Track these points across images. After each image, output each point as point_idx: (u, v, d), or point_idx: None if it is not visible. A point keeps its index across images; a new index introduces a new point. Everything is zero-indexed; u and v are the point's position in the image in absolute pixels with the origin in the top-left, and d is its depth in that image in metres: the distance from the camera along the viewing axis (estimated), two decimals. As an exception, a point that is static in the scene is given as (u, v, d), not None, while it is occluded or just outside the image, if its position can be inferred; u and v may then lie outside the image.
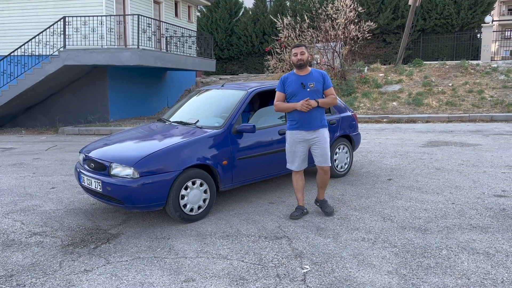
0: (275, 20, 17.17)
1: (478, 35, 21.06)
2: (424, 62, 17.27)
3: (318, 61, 15.77)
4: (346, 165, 6.21)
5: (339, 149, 6.07)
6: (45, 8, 14.17)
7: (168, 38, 15.64)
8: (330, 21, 15.52)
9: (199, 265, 3.47)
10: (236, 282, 3.18)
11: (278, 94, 4.44)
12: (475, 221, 4.30)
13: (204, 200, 4.53)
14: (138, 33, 12.69)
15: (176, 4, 18.44)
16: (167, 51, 15.38)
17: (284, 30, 16.10)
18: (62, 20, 12.74)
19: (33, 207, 5.12)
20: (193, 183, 4.41)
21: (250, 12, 24.08)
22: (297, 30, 16.04)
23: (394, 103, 14.10)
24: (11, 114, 14.37)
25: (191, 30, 18.49)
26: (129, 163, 4.21)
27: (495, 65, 15.81)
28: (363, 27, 15.49)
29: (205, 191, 4.53)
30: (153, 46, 15.11)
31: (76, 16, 12.87)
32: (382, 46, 22.17)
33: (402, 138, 9.53)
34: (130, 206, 4.24)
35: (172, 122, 5.41)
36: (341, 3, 15.45)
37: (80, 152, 4.98)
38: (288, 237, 3.99)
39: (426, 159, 7.21)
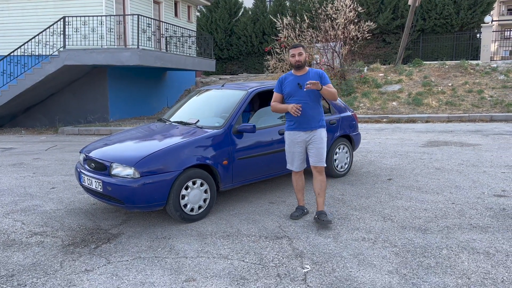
0: (275, 20, 17.17)
1: (478, 35, 21.07)
2: (424, 62, 17.27)
3: (318, 61, 15.77)
4: (346, 165, 6.22)
5: (339, 149, 6.08)
6: (45, 8, 14.16)
7: (168, 38, 15.64)
8: (329, 21, 15.53)
9: (200, 264, 3.48)
10: (236, 281, 3.18)
11: (275, 95, 4.45)
12: (475, 220, 4.31)
13: (205, 200, 4.54)
14: (138, 33, 12.69)
15: (175, 4, 18.44)
16: (166, 51, 15.39)
17: (284, 30, 16.10)
18: (62, 20, 12.74)
19: (33, 207, 5.13)
20: (194, 183, 4.42)
21: (250, 12, 24.07)
22: (297, 30, 16.04)
23: (394, 103, 14.11)
24: (11, 114, 14.37)
25: (191, 30, 18.50)
26: (130, 163, 4.21)
27: (495, 65, 15.83)
28: (362, 27, 15.50)
29: (205, 191, 4.53)
30: (153, 46, 15.11)
31: (76, 16, 12.87)
32: (382, 46, 22.18)
33: (402, 138, 9.54)
34: (131, 206, 4.25)
35: (172, 122, 5.42)
36: (341, 3, 15.46)
37: (80, 152, 4.99)
38: (288, 237, 4.00)
39: (426, 159, 7.21)
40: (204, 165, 4.54)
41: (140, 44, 12.82)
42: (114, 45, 13.79)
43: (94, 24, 13.08)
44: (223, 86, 5.82)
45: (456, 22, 20.87)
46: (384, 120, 12.83)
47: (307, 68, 4.40)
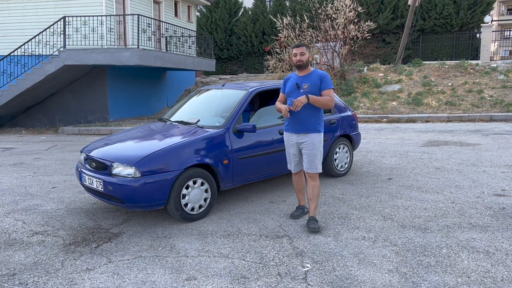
0: (275, 20, 17.18)
1: (478, 35, 21.09)
2: (424, 62, 17.29)
3: (318, 61, 15.79)
4: (346, 165, 6.23)
5: (339, 149, 6.09)
6: (45, 8, 14.17)
7: (168, 38, 15.65)
8: (329, 21, 15.54)
9: (201, 263, 3.49)
10: (237, 280, 3.19)
11: (280, 95, 4.45)
12: (475, 220, 4.32)
13: (205, 200, 4.55)
14: (138, 33, 12.70)
15: (175, 4, 18.45)
16: (167, 51, 15.40)
17: (284, 30, 16.12)
18: (62, 20, 12.75)
19: (34, 206, 5.14)
20: (194, 183, 4.43)
21: (250, 12, 24.08)
22: (297, 30, 16.05)
23: (394, 103, 14.12)
24: (11, 114, 14.38)
25: (191, 30, 18.51)
26: (131, 163, 4.22)
27: (495, 65, 15.84)
28: (362, 27, 15.51)
29: (206, 191, 4.54)
30: (153, 46, 15.12)
31: (76, 16, 12.88)
32: (382, 46, 22.19)
33: (402, 138, 9.56)
34: (132, 206, 4.26)
35: (173, 121, 5.43)
36: (341, 3, 15.48)
37: (81, 152, 5.00)
38: (289, 236, 4.01)
39: (426, 159, 7.23)
40: (205, 165, 4.55)
41: (140, 44, 12.83)
42: (114, 45, 13.80)
43: (94, 24, 13.09)
44: (223, 86, 5.83)
45: (456, 22, 20.88)
46: (384, 120, 12.84)
47: (311, 68, 4.30)
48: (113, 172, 4.29)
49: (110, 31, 13.60)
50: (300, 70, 4.27)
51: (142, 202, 4.20)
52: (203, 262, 3.52)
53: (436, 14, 20.93)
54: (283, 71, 17.06)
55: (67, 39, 12.79)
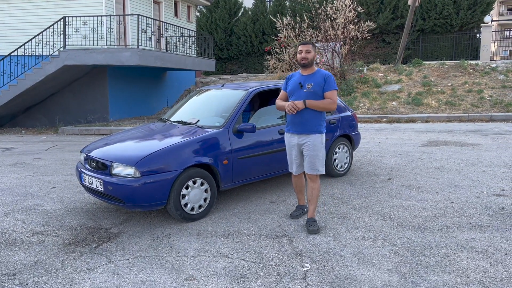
0: (275, 20, 17.20)
1: (478, 35, 21.08)
2: (424, 62, 17.30)
3: (318, 61, 15.79)
4: (346, 165, 6.24)
5: (338, 149, 6.10)
6: (45, 8, 14.18)
7: (167, 38, 15.66)
8: (329, 21, 15.55)
9: (200, 263, 3.49)
10: (237, 280, 3.20)
11: (281, 92, 4.35)
12: (474, 220, 4.33)
13: (205, 199, 4.56)
14: (138, 33, 12.70)
15: (175, 4, 18.46)
16: (166, 51, 15.40)
17: (284, 30, 16.13)
18: (62, 20, 12.76)
19: (34, 206, 5.14)
20: (194, 183, 4.43)
21: (250, 12, 24.09)
22: (297, 30, 16.07)
23: (394, 103, 14.13)
24: (11, 114, 14.39)
25: (191, 30, 18.52)
26: (130, 163, 4.23)
27: (494, 65, 15.85)
28: (362, 27, 15.52)
29: (205, 191, 4.55)
30: (153, 46, 15.13)
31: (76, 16, 12.89)
32: (382, 46, 22.20)
33: (402, 138, 9.56)
34: (131, 206, 4.27)
35: (173, 121, 5.43)
36: (341, 3, 15.49)
37: (81, 152, 5.00)
38: (288, 236, 4.01)
39: (426, 159, 7.23)
40: (205, 165, 4.56)
41: (140, 44, 12.84)
42: (114, 45, 13.80)
43: (94, 24, 13.10)
44: (223, 86, 5.84)
45: (455, 22, 20.89)
46: (384, 120, 12.85)
47: (316, 68, 4.20)
48: (113, 172, 4.30)
49: (110, 31, 13.61)
50: (304, 69, 4.16)
51: (142, 202, 4.21)
52: (203, 262, 3.52)
53: (436, 14, 20.93)
54: (283, 71, 17.07)
55: (67, 39, 12.80)
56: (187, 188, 4.38)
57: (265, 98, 6.02)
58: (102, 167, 4.44)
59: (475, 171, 6.28)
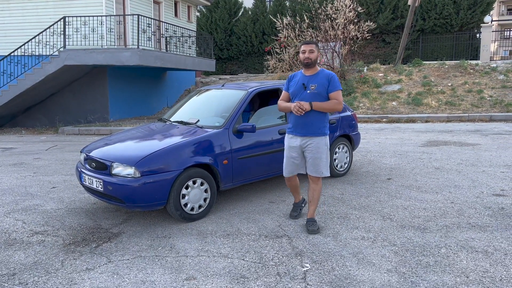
0: (275, 20, 17.20)
1: (478, 35, 21.08)
2: (424, 62, 17.30)
3: (318, 61, 15.80)
4: (346, 165, 6.24)
5: (338, 149, 6.10)
6: (45, 8, 14.18)
7: (167, 38, 15.66)
8: (329, 21, 15.56)
9: (200, 263, 3.50)
10: (237, 280, 3.20)
11: (283, 93, 4.25)
12: (474, 220, 4.33)
13: (205, 199, 4.56)
14: (138, 33, 12.71)
15: (175, 4, 18.46)
16: (166, 51, 15.41)
17: (284, 30, 16.14)
18: (62, 20, 12.76)
19: (34, 206, 5.15)
20: (194, 183, 4.44)
21: (250, 12, 24.09)
22: (297, 30, 16.07)
23: (394, 103, 14.13)
24: (11, 114, 14.39)
25: (191, 30, 18.52)
26: (130, 163, 4.23)
27: (494, 65, 15.85)
28: (362, 27, 15.53)
29: (205, 191, 4.55)
30: (153, 46, 15.13)
31: (76, 16, 12.89)
32: (382, 46, 22.20)
33: (402, 138, 9.56)
34: (131, 206, 4.27)
35: (173, 121, 5.44)
36: (341, 3, 15.50)
37: (81, 152, 5.01)
38: (288, 236, 4.02)
39: (426, 159, 7.24)
40: (205, 165, 4.56)
41: (140, 44, 12.84)
42: (114, 45, 13.81)
43: (94, 24, 13.10)
44: (223, 86, 5.84)
45: (455, 22, 20.89)
46: (384, 120, 12.85)
47: (318, 68, 4.13)
48: (113, 172, 4.30)
49: (110, 31, 13.61)
50: (307, 69, 4.08)
51: (142, 202, 4.21)
52: (203, 262, 3.53)
53: (436, 14, 20.93)
54: (283, 71, 17.07)
55: (67, 39, 12.80)
56: (187, 188, 4.38)
57: (265, 98, 6.02)
58: (102, 167, 4.45)
59: (475, 171, 6.28)
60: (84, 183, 4.67)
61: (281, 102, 4.22)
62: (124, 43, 14.40)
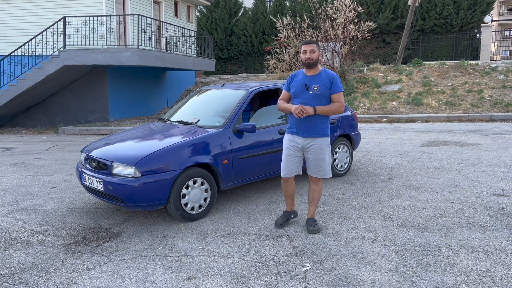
0: (275, 20, 17.21)
1: (478, 35, 21.09)
2: (424, 62, 17.31)
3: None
4: (346, 165, 6.24)
5: (339, 149, 6.10)
6: (45, 8, 14.19)
7: (168, 38, 15.67)
8: (329, 21, 15.57)
9: (201, 263, 3.50)
10: (237, 280, 3.20)
11: (283, 93, 4.18)
12: (474, 219, 4.33)
13: (205, 199, 4.56)
14: (138, 33, 12.71)
15: (176, 4, 18.46)
16: (167, 51, 15.41)
17: (284, 30, 16.14)
18: (62, 20, 12.76)
19: (34, 206, 5.15)
20: (194, 182, 4.44)
21: (250, 12, 24.09)
22: (297, 30, 16.08)
23: (394, 103, 14.13)
24: (11, 114, 14.39)
25: (191, 30, 18.52)
26: (131, 163, 4.23)
27: (494, 65, 15.85)
28: (362, 27, 15.53)
29: (206, 190, 4.55)
30: (153, 46, 15.14)
31: (76, 16, 12.89)
32: (382, 46, 22.20)
33: (402, 138, 9.57)
34: (132, 205, 4.27)
35: (173, 121, 5.44)
36: (341, 3, 15.50)
37: (81, 152, 5.01)
38: (288, 236, 4.02)
39: (426, 159, 7.24)
40: (205, 164, 4.56)
41: (140, 44, 12.84)
42: (114, 45, 13.81)
43: (94, 24, 13.10)
44: (223, 86, 5.84)
45: (456, 22, 20.89)
46: (384, 120, 12.85)
47: (320, 68, 4.07)
48: (113, 172, 4.30)
49: (110, 31, 13.61)
50: (309, 69, 4.03)
51: (142, 202, 4.21)
52: (203, 261, 3.53)
53: (436, 14, 20.93)
54: (283, 71, 17.08)
55: (67, 39, 12.81)
56: (187, 188, 4.38)
57: (265, 98, 6.02)
58: (102, 167, 4.45)
59: (475, 171, 6.28)
60: (85, 183, 4.67)
61: (281, 102, 4.16)
62: (124, 43, 14.41)
